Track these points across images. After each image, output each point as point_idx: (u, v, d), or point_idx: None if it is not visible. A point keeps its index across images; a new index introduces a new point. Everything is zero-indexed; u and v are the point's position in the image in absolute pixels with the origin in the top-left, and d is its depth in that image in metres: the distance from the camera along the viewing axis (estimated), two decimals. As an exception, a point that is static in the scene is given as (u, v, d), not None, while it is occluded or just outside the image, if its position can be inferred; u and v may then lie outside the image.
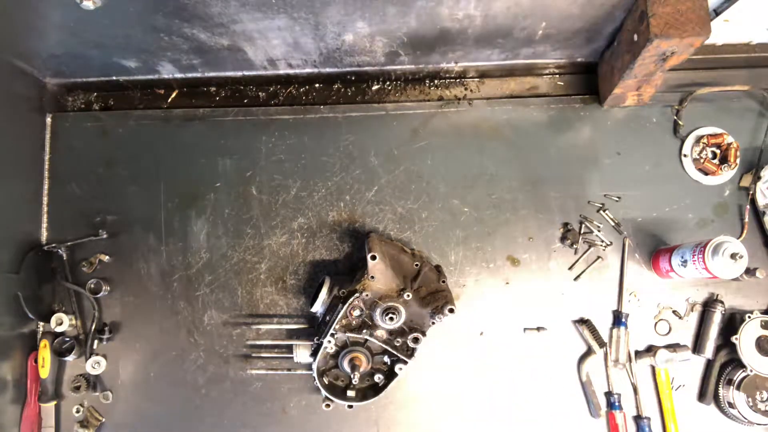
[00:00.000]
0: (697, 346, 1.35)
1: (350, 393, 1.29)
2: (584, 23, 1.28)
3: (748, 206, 1.38)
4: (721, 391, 1.32)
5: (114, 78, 1.49)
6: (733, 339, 1.30)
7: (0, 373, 1.30)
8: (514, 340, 1.38)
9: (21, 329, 1.36)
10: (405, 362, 1.28)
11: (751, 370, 1.28)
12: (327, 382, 1.30)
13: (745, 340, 1.30)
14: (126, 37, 1.29)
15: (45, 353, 1.35)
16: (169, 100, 1.54)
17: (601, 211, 1.41)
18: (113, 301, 1.42)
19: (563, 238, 1.40)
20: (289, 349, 1.35)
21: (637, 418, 1.34)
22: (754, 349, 1.30)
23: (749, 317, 1.31)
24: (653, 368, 1.35)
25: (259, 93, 1.53)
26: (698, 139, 1.41)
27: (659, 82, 1.33)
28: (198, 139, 1.47)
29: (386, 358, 1.31)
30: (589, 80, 1.48)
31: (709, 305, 1.36)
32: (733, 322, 1.34)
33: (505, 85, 1.52)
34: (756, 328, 1.31)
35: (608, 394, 1.35)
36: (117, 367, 1.40)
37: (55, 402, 1.37)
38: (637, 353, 1.36)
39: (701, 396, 1.35)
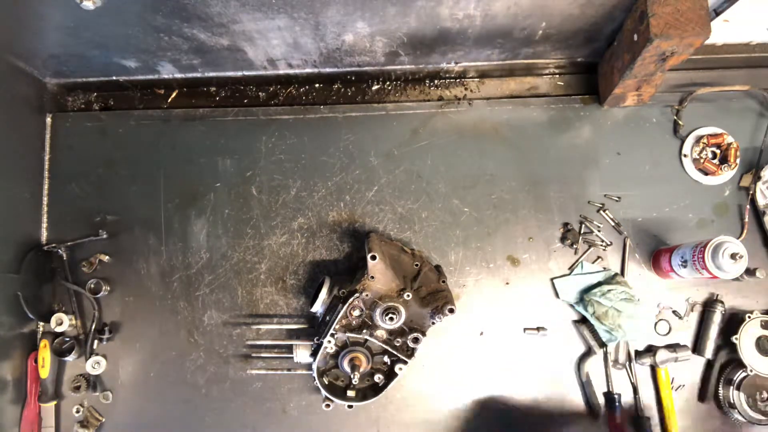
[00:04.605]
0: (697, 346, 1.35)
1: (350, 393, 1.29)
2: (584, 23, 1.28)
3: (748, 206, 1.38)
4: (721, 391, 1.32)
5: (114, 78, 1.49)
6: (733, 339, 1.30)
7: (0, 373, 1.30)
8: (514, 340, 1.38)
9: (21, 329, 1.36)
10: (405, 362, 1.28)
11: (751, 370, 1.28)
12: (327, 382, 1.30)
13: (745, 340, 1.30)
14: (126, 37, 1.29)
15: (45, 353, 1.35)
16: (169, 100, 1.54)
17: (601, 211, 1.41)
18: (113, 301, 1.42)
19: (563, 238, 1.40)
20: (289, 349, 1.35)
21: (637, 418, 1.34)
22: (754, 349, 1.30)
23: (749, 317, 1.31)
24: (653, 368, 1.36)
25: (259, 93, 1.53)
26: (698, 139, 1.41)
27: (659, 82, 1.33)
28: (198, 139, 1.47)
29: (386, 358, 1.31)
30: (589, 80, 1.48)
31: (709, 305, 1.36)
32: (733, 322, 1.34)
33: (505, 85, 1.52)
34: (756, 328, 1.31)
35: (608, 394, 1.35)
36: (117, 367, 1.40)
37: (55, 402, 1.37)
38: (637, 353, 1.36)
39: (701, 396, 1.35)
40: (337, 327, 1.25)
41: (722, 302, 1.35)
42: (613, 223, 1.40)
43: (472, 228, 1.42)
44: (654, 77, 1.30)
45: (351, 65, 1.45)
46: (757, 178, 1.38)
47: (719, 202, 1.41)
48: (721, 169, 1.39)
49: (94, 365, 1.37)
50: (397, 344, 1.27)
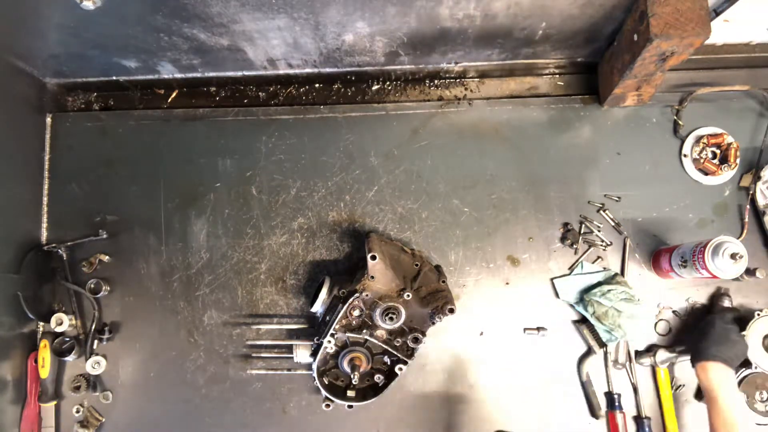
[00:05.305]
0: (697, 346, 1.35)
1: (350, 393, 1.29)
2: (584, 23, 1.28)
3: (748, 206, 1.38)
4: (721, 391, 1.32)
5: (114, 78, 1.49)
6: (736, 338, 1.30)
7: (0, 373, 1.30)
8: (514, 340, 1.38)
9: (21, 329, 1.36)
10: (405, 362, 1.28)
11: (756, 367, 1.28)
12: (327, 382, 1.30)
13: (752, 338, 1.29)
14: (126, 37, 1.29)
15: (45, 353, 1.35)
16: (169, 100, 1.55)
17: (601, 211, 1.41)
18: (113, 301, 1.42)
19: (563, 238, 1.40)
20: (289, 349, 1.35)
21: (637, 418, 1.34)
22: (760, 347, 1.29)
23: (758, 315, 1.30)
24: (653, 368, 1.36)
25: (259, 93, 1.53)
26: (698, 139, 1.41)
27: (659, 82, 1.33)
28: (198, 139, 1.47)
29: (386, 358, 1.31)
30: (589, 80, 1.48)
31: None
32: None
33: (505, 85, 1.52)
34: (763, 326, 1.30)
35: (608, 394, 1.35)
36: (117, 367, 1.40)
37: (55, 402, 1.37)
38: (637, 353, 1.36)
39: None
40: (337, 327, 1.25)
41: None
42: (613, 223, 1.40)
43: (472, 228, 1.42)
44: (654, 77, 1.30)
45: (351, 65, 1.45)
46: (757, 178, 1.38)
47: (719, 202, 1.40)
48: (721, 169, 1.38)
49: (94, 365, 1.37)
50: (397, 344, 1.27)
